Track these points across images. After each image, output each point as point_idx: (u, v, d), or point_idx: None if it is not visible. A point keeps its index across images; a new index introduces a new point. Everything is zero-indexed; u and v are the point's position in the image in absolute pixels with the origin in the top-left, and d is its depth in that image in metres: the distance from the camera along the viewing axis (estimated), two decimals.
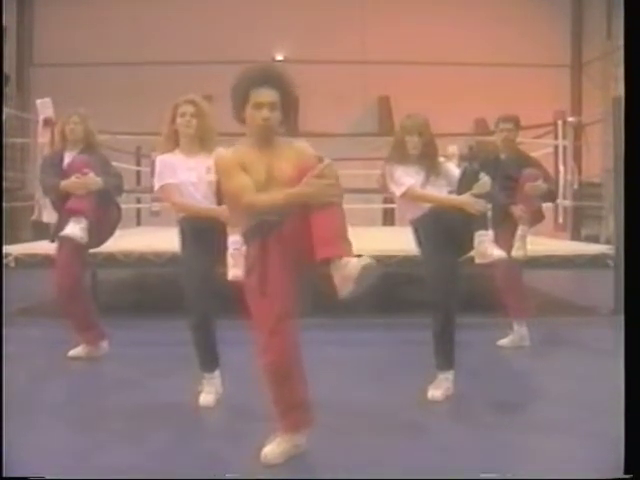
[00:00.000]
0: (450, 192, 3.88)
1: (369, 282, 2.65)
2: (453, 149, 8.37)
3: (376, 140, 12.31)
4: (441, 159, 4.00)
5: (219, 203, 3.72)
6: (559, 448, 3.08)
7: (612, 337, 5.41)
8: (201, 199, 3.80)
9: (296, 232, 2.74)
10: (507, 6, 16.15)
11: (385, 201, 10.50)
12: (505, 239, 4.81)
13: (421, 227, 3.93)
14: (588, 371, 4.50)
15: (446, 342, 3.85)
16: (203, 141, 3.85)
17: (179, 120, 3.81)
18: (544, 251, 6.43)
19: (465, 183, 3.81)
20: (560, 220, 7.96)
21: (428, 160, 3.89)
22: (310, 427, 2.96)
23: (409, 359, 4.70)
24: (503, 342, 5.17)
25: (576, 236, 11.64)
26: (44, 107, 7.22)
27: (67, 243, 4.59)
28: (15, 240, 8.19)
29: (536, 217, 5.26)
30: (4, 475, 2.52)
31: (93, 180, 4.59)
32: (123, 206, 5.17)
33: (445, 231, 3.81)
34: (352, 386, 4.11)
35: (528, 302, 5.32)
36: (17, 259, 6.17)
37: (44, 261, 5.70)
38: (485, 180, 3.79)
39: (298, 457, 2.92)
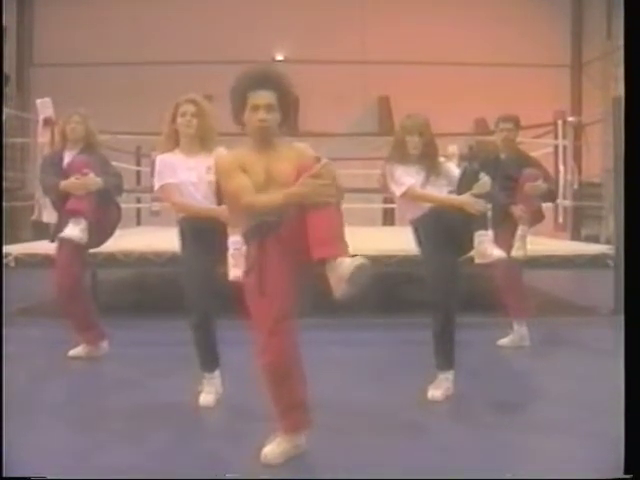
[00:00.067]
0: (450, 192, 3.88)
1: (363, 282, 2.64)
2: (453, 149, 8.37)
3: (376, 140, 12.31)
4: (441, 159, 4.00)
5: (219, 203, 3.71)
6: (559, 448, 3.08)
7: (612, 337, 5.41)
8: (201, 199, 3.80)
9: (295, 232, 2.74)
10: (507, 6, 16.15)
11: (385, 201, 10.50)
12: (505, 239, 4.81)
13: (421, 227, 3.93)
14: (588, 371, 4.50)
15: (446, 342, 3.85)
16: (203, 141, 3.85)
17: (180, 119, 3.81)
18: (544, 251, 6.43)
19: (465, 183, 3.81)
20: (560, 220, 7.95)
21: (428, 160, 3.89)
22: (310, 427, 2.96)
23: (409, 359, 4.70)
24: (503, 342, 5.17)
25: (576, 236, 11.64)
26: (44, 107, 7.21)
27: (67, 243, 4.60)
28: (15, 240, 8.19)
29: (536, 217, 5.26)
30: (4, 475, 2.52)
31: (93, 180, 4.59)
32: (123, 206, 5.17)
33: (445, 231, 3.81)
34: (352, 386, 4.11)
35: (528, 302, 5.32)
36: (17, 259, 6.17)
37: (44, 261, 5.69)
38: (485, 180, 3.80)
39: (298, 457, 2.92)
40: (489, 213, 3.92)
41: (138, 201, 10.46)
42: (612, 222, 8.53)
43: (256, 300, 2.85)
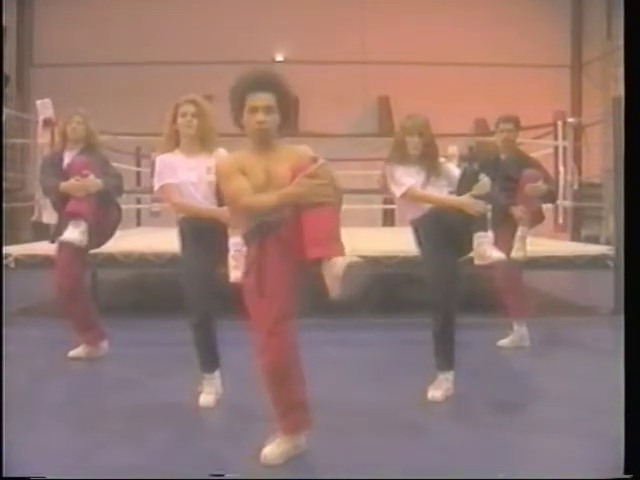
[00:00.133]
0: (451, 193, 3.88)
1: (359, 282, 2.63)
2: (453, 149, 8.36)
3: (376, 140, 12.32)
4: (442, 159, 4.00)
5: (219, 204, 3.71)
6: (559, 448, 3.08)
7: (612, 337, 5.41)
8: (201, 199, 3.80)
9: (294, 233, 2.74)
10: (507, 6, 16.15)
11: (385, 202, 10.50)
12: (505, 240, 4.82)
13: (421, 227, 3.93)
14: (588, 371, 4.50)
15: (446, 342, 3.86)
16: (204, 141, 3.85)
17: (180, 120, 3.81)
18: (544, 252, 6.43)
19: (465, 184, 3.81)
20: (560, 221, 7.95)
21: (429, 160, 3.89)
22: (310, 428, 2.97)
23: (409, 359, 4.70)
24: (503, 342, 5.17)
25: (576, 237, 11.65)
26: (44, 108, 7.22)
27: (67, 245, 4.59)
28: (15, 241, 8.19)
29: (536, 218, 5.26)
30: (4, 475, 2.53)
31: (93, 182, 4.59)
32: (123, 207, 5.17)
33: (445, 232, 3.81)
34: (352, 386, 4.11)
35: (528, 302, 5.33)
36: (17, 260, 6.17)
37: (44, 262, 5.69)
38: (485, 181, 3.80)
39: (298, 457, 2.92)
40: (489, 214, 3.92)
41: (138, 202, 10.46)
42: (612, 223, 8.53)
43: (255, 300, 2.85)
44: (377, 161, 6.34)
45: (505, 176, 5.02)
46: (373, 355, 5.06)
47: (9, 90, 15.15)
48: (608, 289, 6.23)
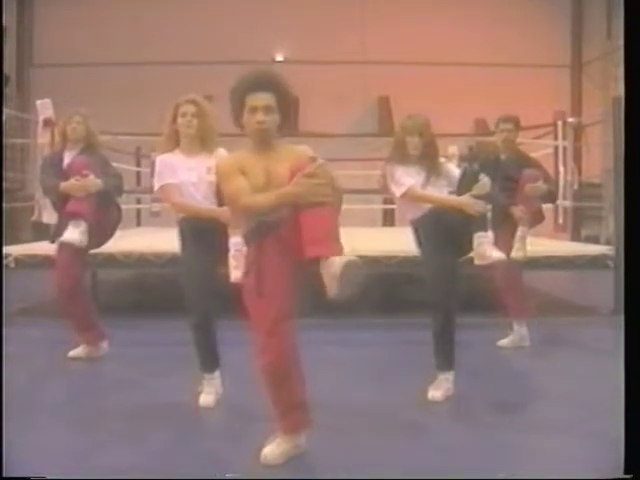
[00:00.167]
0: (451, 193, 3.88)
1: (356, 281, 2.63)
2: (453, 149, 8.37)
3: (376, 140, 12.31)
4: (442, 159, 4.00)
5: (219, 204, 3.71)
6: (559, 448, 3.08)
7: (612, 337, 5.41)
8: (201, 199, 3.80)
9: (293, 233, 2.75)
10: (507, 6, 16.15)
11: (385, 202, 10.50)
12: (505, 240, 4.82)
13: (421, 227, 3.93)
14: (588, 371, 4.50)
15: (446, 342, 3.85)
16: (204, 141, 3.85)
17: (180, 120, 3.81)
18: (544, 252, 6.43)
19: (465, 184, 3.81)
20: (560, 221, 7.95)
21: (429, 160, 3.89)
22: (310, 428, 2.97)
23: (409, 359, 4.70)
24: (503, 342, 5.17)
25: (576, 237, 11.65)
26: (44, 108, 7.22)
27: (67, 245, 4.59)
28: (15, 241, 8.19)
29: (536, 218, 5.26)
30: (4, 475, 2.53)
31: (93, 182, 4.59)
32: (123, 207, 5.17)
33: (445, 232, 3.81)
34: (352, 386, 4.11)
35: (528, 302, 5.33)
36: (17, 260, 6.17)
37: (44, 262, 5.69)
38: (485, 181, 3.79)
39: (298, 457, 2.92)
40: (489, 214, 3.92)
41: (138, 202, 10.46)
42: (612, 223, 8.53)
43: (255, 301, 2.85)
44: (377, 161, 6.34)
45: (505, 176, 5.03)
46: (373, 355, 5.06)
47: (9, 90, 15.16)
48: (608, 289, 6.23)
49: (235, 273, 3.54)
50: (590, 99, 15.79)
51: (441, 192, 3.88)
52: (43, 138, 7.03)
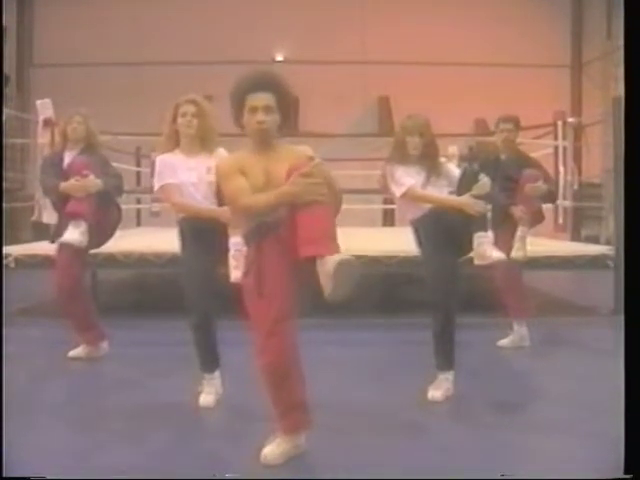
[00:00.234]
0: (451, 193, 3.88)
1: (351, 280, 2.62)
2: (453, 149, 8.37)
3: (376, 140, 12.32)
4: (442, 159, 4.00)
5: (219, 204, 3.71)
6: (559, 448, 3.08)
7: (612, 337, 5.41)
8: (201, 199, 3.80)
9: (292, 233, 2.74)
10: (507, 6, 16.15)
11: (385, 202, 10.51)
12: (505, 240, 4.82)
13: (421, 227, 3.93)
14: (588, 371, 4.50)
15: (446, 342, 3.85)
16: (204, 141, 3.85)
17: (180, 120, 3.81)
18: (544, 252, 6.43)
19: (465, 184, 3.81)
20: (560, 221, 7.95)
21: (429, 160, 3.89)
22: (310, 428, 2.97)
23: (409, 359, 4.70)
24: (503, 342, 5.17)
25: (576, 237, 11.65)
26: (44, 108, 7.22)
27: (67, 245, 4.59)
28: (15, 241, 8.20)
29: (536, 218, 5.26)
30: (4, 475, 2.53)
31: (93, 182, 4.59)
32: (123, 207, 5.17)
33: (445, 231, 3.81)
34: (352, 386, 4.11)
35: (528, 302, 5.33)
36: (17, 260, 6.17)
37: (44, 262, 5.70)
38: (484, 181, 3.79)
39: (298, 457, 2.92)
40: (489, 214, 3.92)
41: (138, 202, 10.46)
42: (612, 223, 8.53)
43: (255, 301, 2.85)
44: (377, 161, 6.34)
45: (505, 176, 5.03)
46: (373, 355, 5.06)
47: (9, 90, 15.16)
48: (608, 289, 6.23)
49: (235, 273, 3.54)
50: (590, 99, 15.79)
51: (441, 192, 3.88)
52: (43, 138, 7.03)
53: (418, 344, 4.25)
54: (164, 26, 15.89)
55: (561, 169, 7.96)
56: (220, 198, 3.65)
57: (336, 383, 4.06)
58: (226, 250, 3.66)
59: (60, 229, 4.69)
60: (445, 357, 3.87)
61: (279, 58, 16.45)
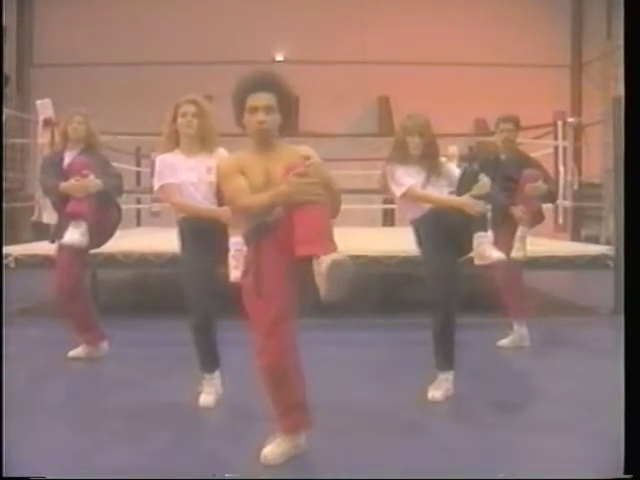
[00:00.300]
0: (451, 193, 3.88)
1: (345, 281, 2.61)
2: (453, 150, 8.37)
3: (376, 140, 12.32)
4: (443, 159, 4.00)
5: (219, 204, 3.71)
6: (559, 448, 3.08)
7: (612, 337, 5.41)
8: (201, 199, 3.80)
9: (290, 233, 2.74)
10: (507, 6, 16.15)
11: (385, 202, 10.50)
12: (505, 240, 4.82)
13: (421, 227, 3.93)
14: (588, 371, 4.50)
15: (446, 342, 3.85)
16: (204, 141, 3.85)
17: (180, 120, 3.81)
18: (544, 252, 6.43)
19: (465, 184, 3.81)
20: (560, 221, 7.95)
21: (429, 160, 3.89)
22: (310, 428, 2.97)
23: (409, 359, 4.70)
24: (503, 342, 5.17)
25: (576, 237, 11.65)
26: (44, 108, 7.22)
27: (67, 246, 4.59)
28: (15, 241, 8.20)
29: (536, 218, 5.26)
30: (4, 475, 2.53)
31: (93, 182, 4.59)
32: (123, 207, 5.17)
33: (445, 231, 3.81)
34: (352, 386, 4.11)
35: (528, 302, 5.33)
36: (17, 259, 6.17)
37: (44, 262, 5.70)
38: (484, 181, 3.79)
39: (298, 457, 2.92)
40: (489, 214, 3.92)
41: (138, 202, 10.46)
42: (612, 223, 8.53)
43: (254, 301, 2.85)
44: (377, 161, 6.34)
45: (505, 176, 5.03)
46: (373, 355, 5.06)
47: (9, 90, 15.15)
48: (608, 289, 6.23)
49: (235, 273, 3.53)
50: (590, 99, 15.79)
51: (441, 192, 3.88)
52: (43, 138, 7.03)
53: (418, 344, 4.25)
54: (164, 26, 15.88)
55: (561, 169, 7.96)
56: (220, 198, 3.65)
57: (336, 383, 4.06)
58: (226, 250, 3.66)
59: (60, 229, 4.69)
60: (445, 357, 3.87)
61: (279, 58, 16.45)
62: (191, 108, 3.80)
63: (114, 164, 5.32)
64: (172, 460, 2.98)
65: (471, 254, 3.87)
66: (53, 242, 4.85)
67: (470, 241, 3.81)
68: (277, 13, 15.99)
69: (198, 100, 3.85)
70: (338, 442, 3.12)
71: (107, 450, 3.08)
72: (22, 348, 4.94)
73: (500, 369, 4.74)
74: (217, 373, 3.77)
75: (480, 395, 3.93)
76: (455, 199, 3.81)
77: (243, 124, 2.92)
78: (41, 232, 6.52)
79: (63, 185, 4.62)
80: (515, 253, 4.98)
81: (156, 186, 3.89)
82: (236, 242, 3.55)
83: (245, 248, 3.02)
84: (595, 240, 12.76)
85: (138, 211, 10.74)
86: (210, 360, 3.76)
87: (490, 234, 3.91)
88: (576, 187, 8.91)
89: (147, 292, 8.38)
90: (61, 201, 4.68)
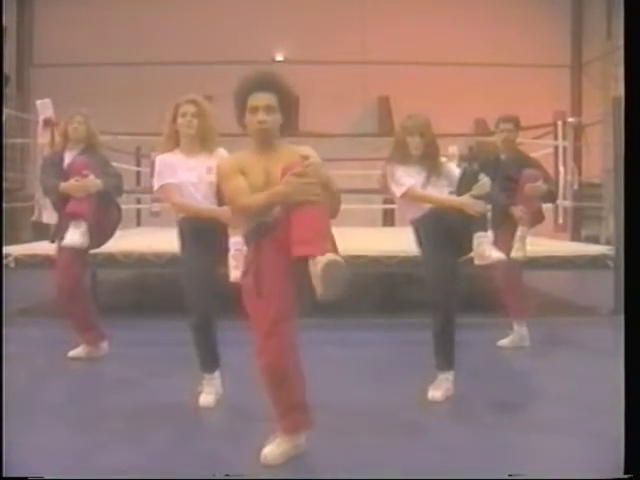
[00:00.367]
0: (451, 193, 3.88)
1: (340, 281, 2.60)
2: (453, 150, 8.36)
3: (376, 140, 12.32)
4: (443, 159, 4.00)
5: (220, 204, 3.71)
6: (559, 448, 3.08)
7: (612, 337, 5.41)
8: (201, 199, 3.80)
9: (289, 233, 2.74)
10: (507, 6, 16.15)
11: (385, 202, 10.50)
12: (505, 240, 4.82)
13: (421, 227, 3.93)
14: (588, 371, 4.50)
15: (446, 342, 3.85)
16: (204, 141, 3.85)
17: (180, 120, 3.81)
18: (544, 252, 6.43)
19: (465, 184, 3.81)
20: (560, 221, 7.95)
21: (429, 160, 3.89)
22: (310, 428, 2.97)
23: (409, 359, 4.70)
24: (503, 342, 5.17)
25: (576, 237, 11.65)
26: (44, 108, 7.22)
27: (67, 246, 4.59)
28: (15, 241, 8.20)
29: (536, 218, 5.26)
30: (4, 475, 2.53)
31: (93, 182, 4.59)
32: (123, 207, 5.17)
33: (445, 231, 3.81)
34: (352, 386, 4.11)
35: (528, 302, 5.33)
36: (17, 259, 6.17)
37: (44, 262, 5.70)
38: (484, 181, 3.79)
39: (298, 457, 2.92)
40: (489, 214, 3.92)
41: (138, 202, 10.46)
42: (612, 223, 8.53)
43: (254, 301, 2.85)
44: (377, 161, 6.34)
45: (505, 176, 5.03)
46: (373, 355, 5.06)
47: (9, 90, 15.16)
48: (608, 289, 6.23)
49: (235, 273, 3.54)
50: (590, 99, 15.79)
51: (441, 192, 3.88)
52: (43, 138, 7.03)
53: (418, 344, 4.25)
54: (164, 26, 15.88)
55: (561, 169, 7.96)
56: (220, 198, 3.65)
57: (336, 383, 4.05)
58: (226, 250, 3.66)
59: (60, 229, 4.69)
60: (445, 357, 3.87)
61: (279, 58, 16.45)
62: (191, 108, 3.80)
63: (114, 164, 5.32)
64: (172, 460, 2.98)
65: (471, 254, 3.87)
66: (53, 242, 4.85)
67: (470, 241, 3.81)
68: (277, 13, 15.99)
69: (198, 100, 3.85)
70: (338, 442, 3.12)
71: (107, 450, 3.08)
72: (22, 348, 4.94)
73: (500, 369, 4.74)
74: (217, 373, 3.77)
75: (480, 395, 3.93)
76: (455, 199, 3.81)
77: (245, 124, 2.92)
78: (41, 232, 6.52)
79: (63, 185, 4.62)
80: (515, 253, 4.98)
81: (156, 186, 3.89)
82: (236, 242, 3.56)
83: (245, 248, 3.02)
84: (595, 240, 12.76)
85: (138, 211, 10.74)
86: (210, 360, 3.76)
87: (490, 234, 3.91)
88: (576, 187, 8.91)
89: (147, 292, 8.38)
90: (61, 201, 4.68)
